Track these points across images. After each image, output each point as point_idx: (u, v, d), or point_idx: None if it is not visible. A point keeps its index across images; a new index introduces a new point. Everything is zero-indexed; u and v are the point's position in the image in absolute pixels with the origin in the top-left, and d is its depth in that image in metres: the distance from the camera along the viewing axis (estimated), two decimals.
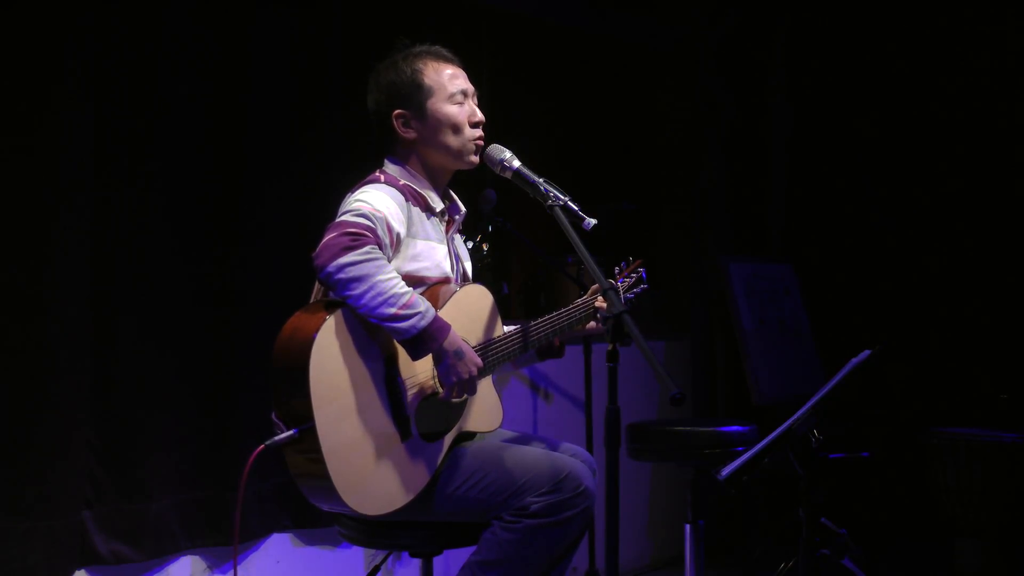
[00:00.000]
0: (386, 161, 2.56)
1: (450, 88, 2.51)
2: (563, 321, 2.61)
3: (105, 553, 2.99)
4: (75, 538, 2.94)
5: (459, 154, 2.52)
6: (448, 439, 2.42)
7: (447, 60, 2.56)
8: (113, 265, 3.04)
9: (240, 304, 3.31)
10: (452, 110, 2.50)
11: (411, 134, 2.51)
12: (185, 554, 3.22)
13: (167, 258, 3.15)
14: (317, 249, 2.21)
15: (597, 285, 2.76)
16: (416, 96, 2.50)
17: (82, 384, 2.95)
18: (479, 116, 2.55)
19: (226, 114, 3.31)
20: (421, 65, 2.52)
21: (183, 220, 3.19)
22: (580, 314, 2.65)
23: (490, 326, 2.56)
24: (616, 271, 2.88)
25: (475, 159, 2.54)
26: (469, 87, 2.56)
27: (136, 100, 3.08)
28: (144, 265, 3.10)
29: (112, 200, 3.04)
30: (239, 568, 3.35)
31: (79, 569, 2.97)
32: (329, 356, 2.20)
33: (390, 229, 2.33)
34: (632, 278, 2.88)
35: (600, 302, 2.66)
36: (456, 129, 2.51)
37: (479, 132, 2.54)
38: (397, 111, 2.51)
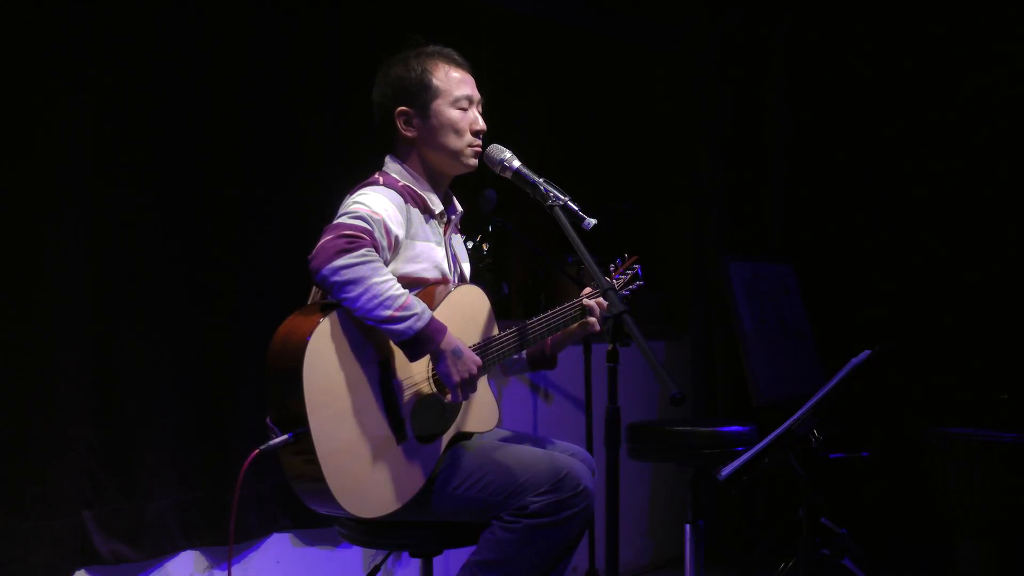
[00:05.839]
0: (387, 159, 2.56)
1: (456, 93, 2.51)
2: (558, 320, 2.61)
3: (105, 553, 2.99)
4: (75, 538, 2.94)
5: (457, 157, 2.52)
6: (444, 440, 2.41)
7: (458, 65, 2.56)
8: (112, 267, 3.04)
9: (238, 305, 3.31)
10: (455, 115, 2.51)
11: (412, 132, 2.51)
12: (185, 552, 3.22)
13: (166, 259, 3.15)
14: (313, 251, 2.21)
15: (592, 284, 2.77)
16: (422, 95, 2.50)
17: (82, 384, 2.95)
18: (481, 125, 2.54)
19: (224, 116, 3.30)
20: (432, 66, 2.52)
21: (182, 222, 3.19)
22: (574, 312, 2.64)
23: (486, 326, 2.56)
24: (611, 268, 2.87)
25: (473, 162, 2.54)
26: (475, 95, 2.56)
27: (133, 103, 3.08)
28: (143, 266, 3.10)
29: (111, 201, 3.04)
30: (239, 568, 3.36)
31: (79, 569, 2.98)
32: (323, 359, 2.19)
33: (388, 232, 2.33)
34: (628, 275, 2.87)
35: (589, 300, 2.65)
36: (458, 133, 2.51)
37: (478, 141, 2.54)
38: (400, 108, 2.51)
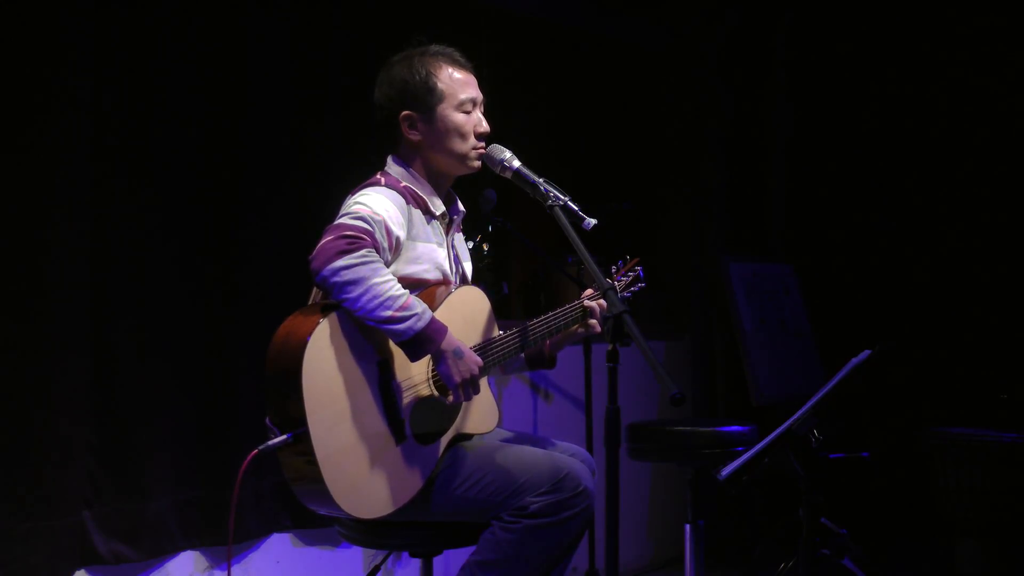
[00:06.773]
0: (389, 160, 2.55)
1: (461, 95, 2.50)
2: (560, 321, 2.61)
3: (104, 553, 2.99)
4: (75, 538, 2.94)
5: (462, 160, 2.52)
6: (444, 441, 2.41)
7: (461, 66, 2.55)
8: (113, 266, 3.04)
9: (238, 305, 3.31)
10: (460, 118, 2.50)
11: (416, 136, 2.50)
12: (185, 552, 3.22)
13: (166, 259, 3.15)
14: (314, 252, 2.21)
15: (593, 285, 2.77)
16: (426, 99, 2.48)
17: (82, 384, 2.95)
18: (485, 127, 2.54)
19: (224, 116, 3.30)
20: (435, 68, 2.50)
21: (182, 222, 3.19)
22: (575, 313, 2.64)
23: (486, 327, 2.55)
24: (613, 269, 2.87)
25: (477, 164, 2.53)
26: (479, 95, 2.55)
27: (134, 102, 3.08)
28: (143, 267, 3.10)
29: (111, 202, 3.04)
30: (239, 568, 3.36)
31: (79, 569, 2.98)
32: (323, 360, 2.19)
33: (389, 233, 2.33)
34: (629, 276, 2.88)
35: (590, 301, 2.65)
36: (463, 137, 2.50)
37: (482, 143, 2.53)
38: (404, 112, 2.49)
